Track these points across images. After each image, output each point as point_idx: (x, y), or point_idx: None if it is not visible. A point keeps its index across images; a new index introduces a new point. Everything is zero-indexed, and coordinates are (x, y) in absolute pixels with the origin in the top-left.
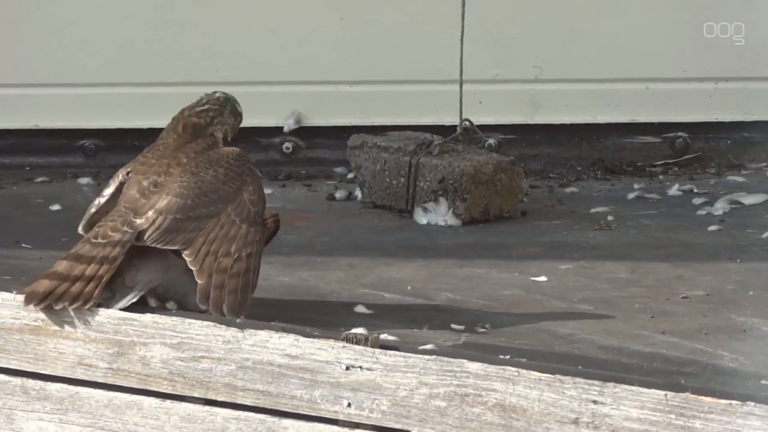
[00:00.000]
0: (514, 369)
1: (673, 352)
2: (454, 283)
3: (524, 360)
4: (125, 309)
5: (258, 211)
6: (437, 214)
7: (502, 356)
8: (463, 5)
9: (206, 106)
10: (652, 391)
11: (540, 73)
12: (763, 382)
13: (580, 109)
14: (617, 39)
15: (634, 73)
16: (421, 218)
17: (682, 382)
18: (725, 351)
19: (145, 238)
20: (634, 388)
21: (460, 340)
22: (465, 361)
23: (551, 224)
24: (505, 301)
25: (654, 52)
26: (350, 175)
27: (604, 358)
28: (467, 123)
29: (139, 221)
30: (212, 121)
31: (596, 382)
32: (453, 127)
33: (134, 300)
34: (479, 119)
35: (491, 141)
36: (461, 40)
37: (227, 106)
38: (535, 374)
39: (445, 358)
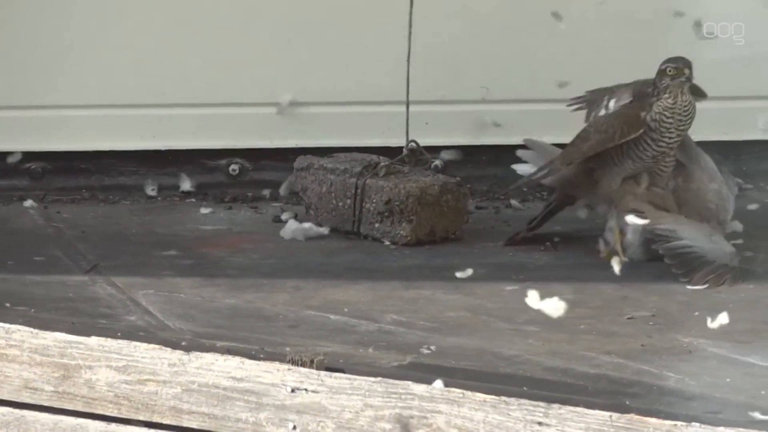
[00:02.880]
0: (459, 391)
1: (618, 373)
2: (400, 304)
3: (469, 381)
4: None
5: None
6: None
7: (447, 378)
8: (410, 26)
9: None
10: (597, 412)
11: (486, 93)
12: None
13: (527, 130)
14: (564, 60)
15: (581, 93)
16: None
17: (627, 403)
18: (670, 372)
19: None
20: (578, 409)
21: (406, 361)
22: (410, 383)
23: (497, 245)
24: (450, 322)
25: (600, 71)
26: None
27: (549, 380)
28: (413, 144)
29: None
30: None
31: (541, 404)
32: (399, 149)
33: None
34: (425, 140)
35: (437, 162)
36: (408, 60)
37: None
38: (481, 396)
39: (390, 381)
